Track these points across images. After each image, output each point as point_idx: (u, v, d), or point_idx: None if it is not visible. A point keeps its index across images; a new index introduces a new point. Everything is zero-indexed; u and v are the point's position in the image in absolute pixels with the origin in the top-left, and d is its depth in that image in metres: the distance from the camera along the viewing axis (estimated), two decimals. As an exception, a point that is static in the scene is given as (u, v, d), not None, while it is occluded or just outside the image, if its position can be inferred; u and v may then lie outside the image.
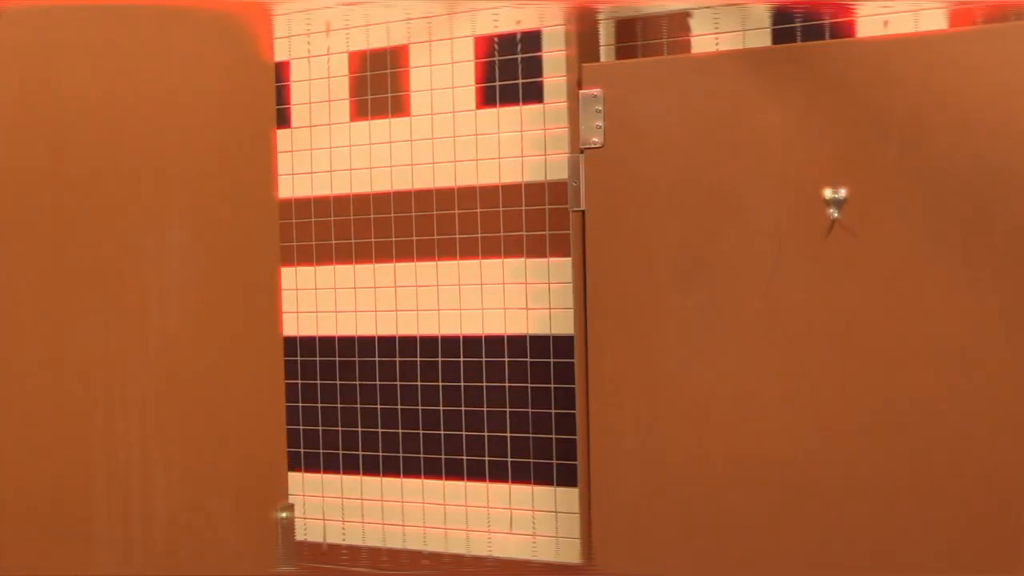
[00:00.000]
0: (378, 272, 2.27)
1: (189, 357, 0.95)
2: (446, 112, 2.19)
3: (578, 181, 1.85)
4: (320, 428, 2.34)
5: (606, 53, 2.04)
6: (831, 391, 1.64)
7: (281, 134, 2.33)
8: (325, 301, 2.34)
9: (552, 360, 2.10)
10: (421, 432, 2.23)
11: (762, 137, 1.70)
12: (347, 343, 2.31)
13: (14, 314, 0.79)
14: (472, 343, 2.17)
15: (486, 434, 2.15)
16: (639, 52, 2.02)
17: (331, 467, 2.34)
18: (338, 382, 2.32)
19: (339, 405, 2.32)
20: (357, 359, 2.30)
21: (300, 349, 2.35)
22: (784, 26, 1.90)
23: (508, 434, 2.13)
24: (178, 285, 0.93)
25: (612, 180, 1.83)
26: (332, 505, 2.34)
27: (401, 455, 2.25)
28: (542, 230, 2.10)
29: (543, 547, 2.12)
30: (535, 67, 2.10)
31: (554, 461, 2.09)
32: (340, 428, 2.32)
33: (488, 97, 2.14)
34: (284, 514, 1.05)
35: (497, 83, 2.13)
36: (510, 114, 2.12)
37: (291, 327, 2.36)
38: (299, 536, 2.38)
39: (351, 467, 2.32)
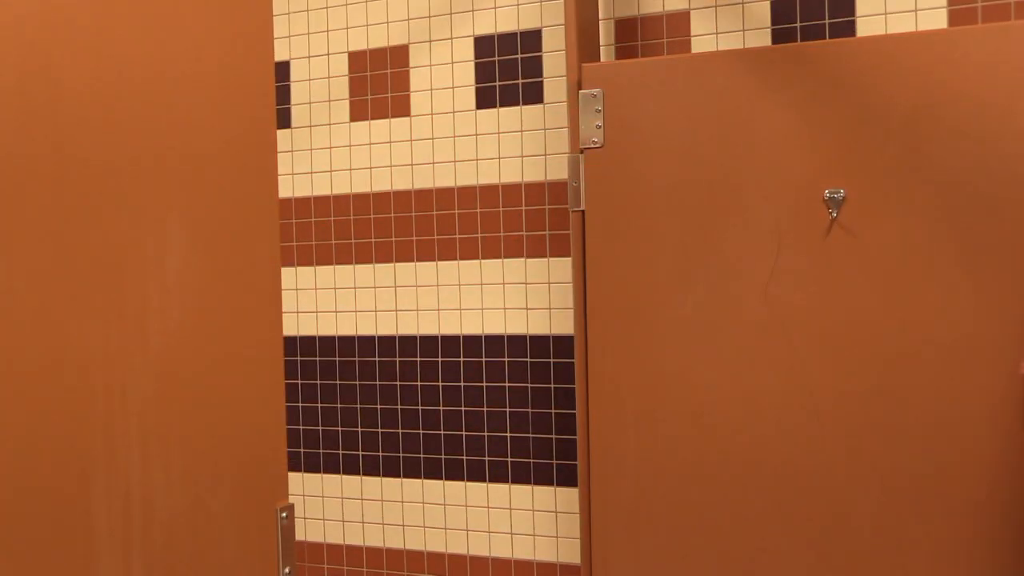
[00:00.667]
0: (378, 272, 2.27)
1: (189, 357, 0.95)
2: (446, 112, 2.19)
3: (578, 181, 1.85)
4: (320, 428, 2.34)
5: (606, 53, 2.04)
6: (830, 391, 1.64)
7: (281, 134, 2.33)
8: (325, 301, 2.34)
9: (552, 360, 2.10)
10: (421, 432, 2.23)
11: (762, 137, 1.70)
12: (347, 343, 2.31)
13: (13, 314, 0.79)
14: (472, 343, 2.17)
15: (486, 434, 2.15)
16: (639, 52, 2.02)
17: (331, 467, 2.34)
18: (338, 382, 2.32)
19: (339, 405, 2.32)
20: (357, 359, 2.30)
21: (300, 349, 2.35)
22: (784, 26, 1.90)
23: (508, 434, 2.14)
24: (178, 285, 0.93)
25: (611, 180, 1.83)
26: (332, 505, 2.34)
27: (401, 455, 2.25)
28: (542, 230, 2.10)
29: (543, 547, 2.12)
30: (535, 67, 2.10)
31: (554, 461, 2.09)
32: (340, 428, 2.32)
33: (488, 97, 2.14)
34: (284, 514, 1.05)
35: (497, 83, 2.13)
36: (510, 114, 2.12)
37: (291, 327, 2.36)
38: (299, 536, 2.38)
39: (351, 467, 2.32)
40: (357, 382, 2.30)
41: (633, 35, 2.03)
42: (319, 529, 2.35)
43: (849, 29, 1.86)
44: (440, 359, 2.20)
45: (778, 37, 1.92)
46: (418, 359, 2.23)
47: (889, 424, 1.61)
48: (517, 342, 2.13)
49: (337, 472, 2.33)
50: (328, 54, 2.32)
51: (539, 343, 2.11)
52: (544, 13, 2.09)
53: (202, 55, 0.96)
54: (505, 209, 2.13)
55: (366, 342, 2.29)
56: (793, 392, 1.64)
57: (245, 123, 1.02)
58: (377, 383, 2.27)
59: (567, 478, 2.08)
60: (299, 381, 2.35)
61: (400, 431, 2.25)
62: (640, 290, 1.77)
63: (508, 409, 2.13)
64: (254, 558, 1.01)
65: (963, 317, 1.55)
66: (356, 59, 2.29)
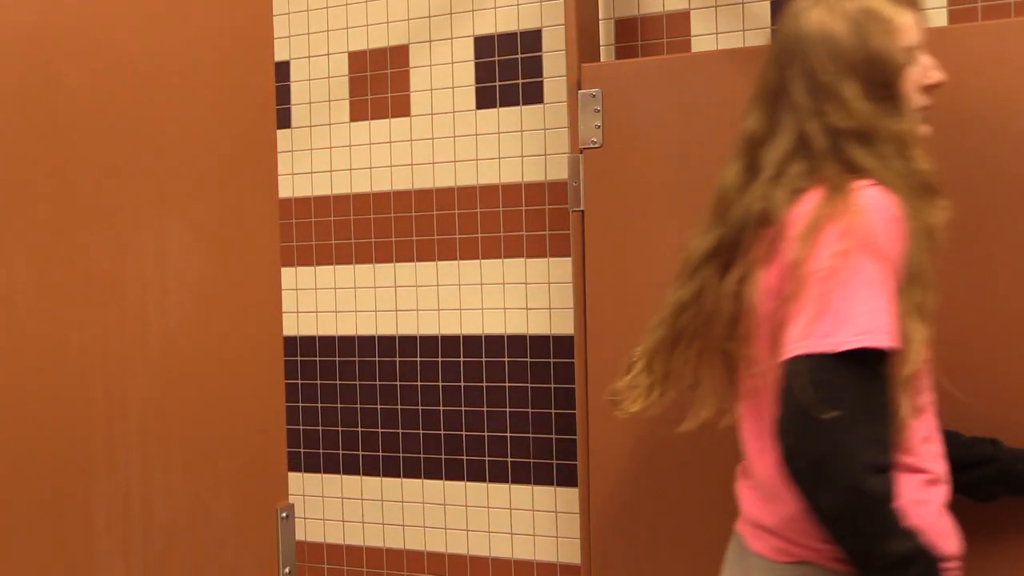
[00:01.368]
0: (378, 272, 2.28)
1: (189, 357, 0.95)
2: (446, 112, 2.19)
3: (578, 181, 1.85)
4: (320, 428, 2.34)
5: (606, 53, 2.04)
6: None
7: (281, 134, 2.33)
8: (325, 301, 2.34)
9: (552, 360, 2.10)
10: (421, 432, 2.23)
11: None
12: (347, 343, 2.31)
13: (13, 314, 0.79)
14: (472, 343, 2.17)
15: (486, 434, 2.15)
16: (639, 52, 2.02)
17: (331, 467, 2.34)
18: (338, 382, 2.32)
19: (339, 405, 2.32)
20: (357, 359, 2.30)
21: (300, 349, 2.36)
22: (784, 26, 1.90)
23: (508, 434, 2.14)
24: (178, 285, 0.93)
25: (610, 180, 1.83)
26: (332, 505, 2.34)
27: (401, 455, 2.25)
28: (542, 230, 2.10)
29: (543, 547, 2.12)
30: (535, 67, 2.10)
31: (554, 461, 2.09)
32: (340, 428, 2.32)
33: (488, 97, 2.14)
34: (284, 514, 1.05)
35: (497, 83, 2.13)
36: (510, 114, 2.12)
37: (291, 327, 2.36)
38: (299, 536, 2.38)
39: (351, 467, 2.32)
40: (357, 382, 2.30)
41: (633, 35, 2.03)
42: (319, 529, 2.36)
43: (849, 29, 1.86)
44: (440, 359, 2.20)
45: (778, 37, 1.92)
46: (418, 359, 2.23)
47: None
48: (517, 342, 2.13)
49: (337, 472, 2.33)
50: (328, 54, 2.32)
51: (539, 343, 2.11)
52: (544, 13, 2.09)
53: (202, 55, 0.96)
54: (505, 209, 2.13)
55: (366, 342, 2.29)
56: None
57: (245, 123, 1.02)
58: (377, 383, 2.27)
59: (567, 478, 2.08)
60: (299, 381, 2.35)
61: (400, 431, 2.25)
62: (640, 290, 1.77)
63: (508, 409, 2.13)
64: (254, 558, 1.01)
65: (958, 318, 1.52)
66: (356, 59, 2.29)
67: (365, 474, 2.30)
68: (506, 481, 2.14)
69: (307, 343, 2.35)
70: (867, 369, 1.12)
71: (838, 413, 1.09)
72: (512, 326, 2.13)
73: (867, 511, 1.09)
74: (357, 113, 2.29)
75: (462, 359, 2.18)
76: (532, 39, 2.10)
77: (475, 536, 2.18)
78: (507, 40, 2.12)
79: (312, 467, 2.36)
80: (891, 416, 1.16)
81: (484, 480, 2.16)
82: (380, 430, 2.27)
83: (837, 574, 1.19)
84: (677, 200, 1.77)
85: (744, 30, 1.94)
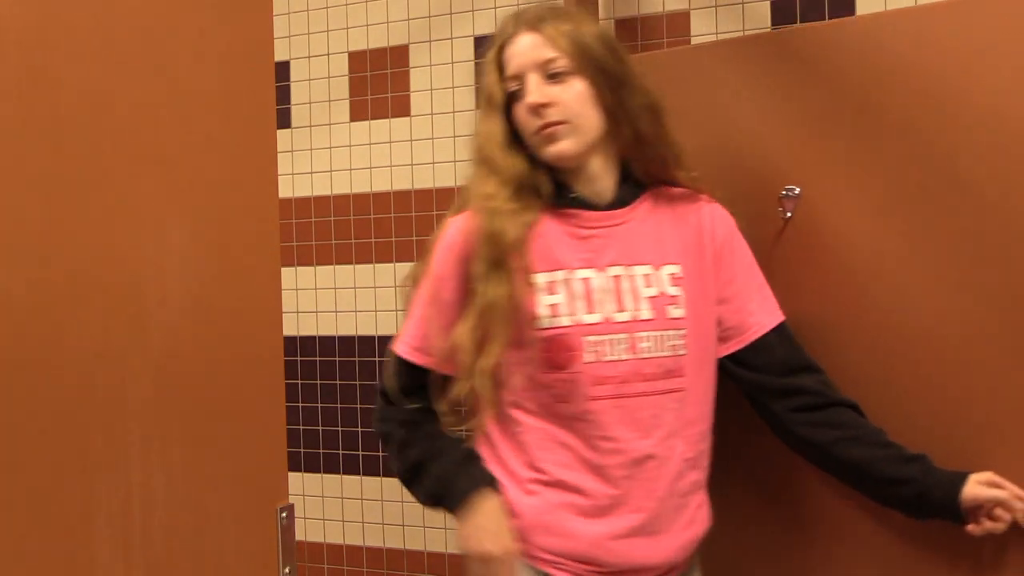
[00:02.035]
0: (378, 272, 2.27)
1: (189, 357, 0.95)
2: (446, 112, 2.19)
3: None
4: (320, 428, 2.34)
5: (606, 53, 2.04)
6: None
7: (281, 134, 2.33)
8: (325, 301, 2.34)
9: (552, 360, 2.09)
10: (421, 432, 2.22)
11: (726, 131, 1.63)
12: (347, 343, 2.31)
13: (13, 314, 0.78)
14: (472, 343, 2.17)
15: (486, 434, 2.15)
16: (639, 52, 2.02)
17: (331, 467, 2.34)
18: (338, 382, 2.32)
19: (339, 405, 2.32)
20: (357, 359, 2.30)
21: (300, 349, 2.35)
22: (784, 25, 1.90)
23: (508, 434, 2.13)
24: (178, 285, 0.93)
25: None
26: (332, 505, 2.34)
27: (401, 455, 2.25)
28: (542, 230, 2.10)
29: (543, 547, 2.11)
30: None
31: (554, 461, 2.09)
32: (340, 428, 2.32)
33: (488, 97, 2.14)
34: (284, 514, 1.05)
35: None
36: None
37: (291, 327, 2.36)
38: (299, 536, 2.38)
39: (351, 467, 2.32)
40: (357, 382, 2.30)
41: (633, 35, 2.03)
42: (319, 529, 2.35)
43: (849, 29, 1.86)
44: None
45: (778, 37, 1.92)
46: (418, 359, 2.23)
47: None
48: (517, 342, 2.12)
49: (337, 472, 2.33)
50: (328, 54, 2.32)
51: (539, 343, 2.10)
52: (544, 13, 2.09)
53: (202, 55, 0.96)
54: (505, 209, 2.12)
55: (366, 342, 2.29)
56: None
57: (245, 123, 1.02)
58: (377, 383, 2.27)
59: (567, 478, 2.08)
60: (299, 381, 2.35)
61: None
62: None
63: (508, 409, 2.13)
64: (254, 558, 1.01)
65: (922, 311, 1.45)
66: (356, 59, 2.29)
67: (365, 474, 2.30)
68: (506, 481, 2.14)
69: (307, 343, 2.35)
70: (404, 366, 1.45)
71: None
72: (512, 326, 2.13)
73: (387, 447, 1.49)
74: (357, 113, 2.29)
75: (462, 359, 2.18)
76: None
77: (475, 536, 2.18)
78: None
79: (312, 467, 2.36)
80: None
81: (484, 480, 2.16)
82: (380, 430, 2.26)
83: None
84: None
85: (744, 30, 1.94)
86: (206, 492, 0.94)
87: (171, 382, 0.90)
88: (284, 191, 2.34)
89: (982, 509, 1.35)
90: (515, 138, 1.40)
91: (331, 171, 2.32)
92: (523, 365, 1.37)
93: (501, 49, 1.41)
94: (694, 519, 1.43)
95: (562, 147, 1.35)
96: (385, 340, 2.28)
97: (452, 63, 2.18)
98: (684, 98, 1.59)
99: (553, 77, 1.35)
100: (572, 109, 1.35)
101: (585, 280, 1.37)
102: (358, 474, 2.31)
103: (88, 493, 0.82)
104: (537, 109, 1.35)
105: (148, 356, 0.88)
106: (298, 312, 2.35)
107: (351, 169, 2.30)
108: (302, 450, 2.35)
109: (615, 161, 1.43)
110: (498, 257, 1.34)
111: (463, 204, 1.42)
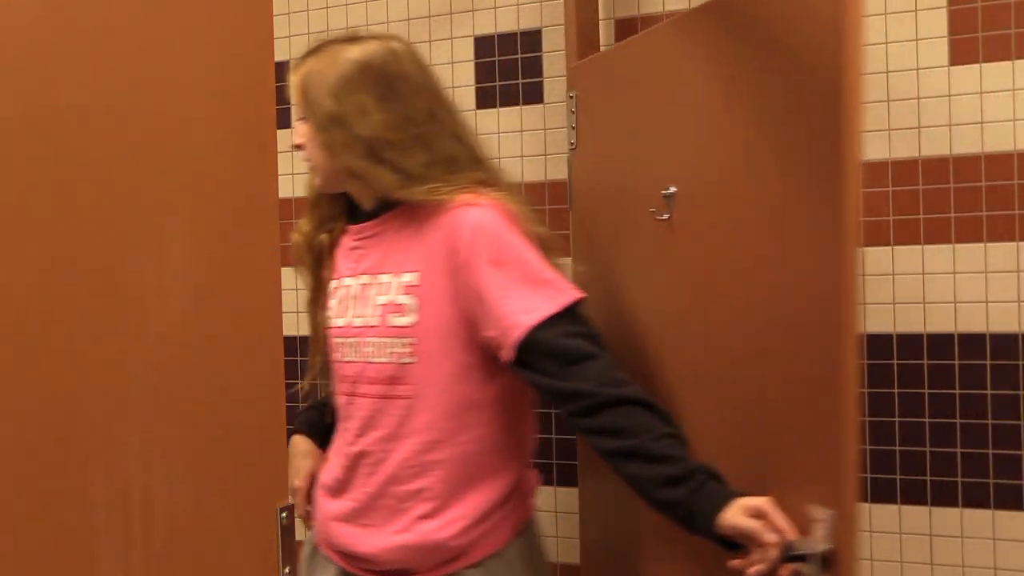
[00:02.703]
0: (378, 272, 2.27)
1: (189, 357, 0.95)
2: (446, 112, 2.19)
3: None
4: (320, 428, 2.34)
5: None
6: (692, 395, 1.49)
7: (281, 134, 2.33)
8: (325, 301, 2.33)
9: (552, 360, 2.09)
10: (421, 432, 2.22)
11: (638, 129, 1.61)
12: (347, 343, 2.31)
13: (13, 314, 0.79)
14: (472, 343, 2.17)
15: (486, 434, 2.15)
16: (639, 52, 2.02)
17: (331, 467, 2.33)
18: (338, 382, 2.32)
19: (339, 405, 2.32)
20: (357, 359, 2.30)
21: (300, 349, 2.35)
22: (784, 26, 1.90)
23: (508, 434, 2.13)
24: (178, 285, 0.93)
25: (580, 182, 1.86)
26: (332, 505, 2.34)
27: (401, 455, 2.25)
28: (542, 230, 2.10)
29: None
30: (535, 67, 2.10)
31: (554, 461, 2.09)
32: (340, 428, 2.32)
33: (488, 97, 2.14)
34: (284, 514, 1.05)
35: (497, 83, 2.13)
36: (510, 114, 2.12)
37: (291, 327, 2.35)
38: (299, 536, 2.38)
39: (351, 467, 2.31)
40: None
41: (633, 35, 2.03)
42: (319, 529, 2.35)
43: (849, 29, 1.86)
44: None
45: (778, 37, 1.91)
46: (418, 359, 2.23)
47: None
48: (517, 342, 2.12)
49: (337, 472, 2.33)
50: (328, 54, 2.31)
51: (539, 343, 2.10)
52: (544, 13, 2.09)
53: (203, 56, 0.96)
54: (505, 209, 2.12)
55: (366, 342, 2.29)
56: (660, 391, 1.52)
57: (245, 123, 1.02)
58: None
59: (567, 478, 2.08)
60: (299, 381, 2.35)
61: (400, 431, 2.25)
62: (612, 293, 1.73)
63: (508, 409, 2.13)
64: (255, 557, 1.01)
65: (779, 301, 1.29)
66: (356, 59, 2.29)
67: (365, 474, 2.30)
68: (506, 481, 2.14)
69: (307, 343, 2.35)
70: None
71: None
72: (512, 326, 2.13)
73: None
74: (357, 113, 2.29)
75: (462, 359, 2.18)
76: (532, 39, 2.10)
77: (475, 536, 2.18)
78: (507, 40, 2.12)
79: (312, 467, 2.35)
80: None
81: (484, 480, 2.16)
82: (380, 430, 2.26)
83: None
84: (606, 203, 1.75)
85: (744, 30, 1.94)
86: (206, 492, 0.94)
87: (171, 382, 0.90)
88: (284, 191, 2.34)
89: (754, 539, 1.19)
90: None
91: (331, 171, 2.32)
92: None
93: None
94: (411, 528, 1.44)
95: (315, 181, 1.54)
96: (385, 340, 2.27)
97: (452, 63, 2.18)
98: (634, 90, 1.62)
99: (302, 118, 1.51)
100: (308, 149, 1.51)
101: (347, 287, 1.54)
102: (358, 474, 2.31)
103: (88, 493, 0.82)
104: (297, 148, 1.54)
105: (148, 356, 0.88)
106: (298, 312, 2.34)
107: (351, 169, 2.30)
108: (302, 450, 2.35)
109: None
110: (305, 267, 1.59)
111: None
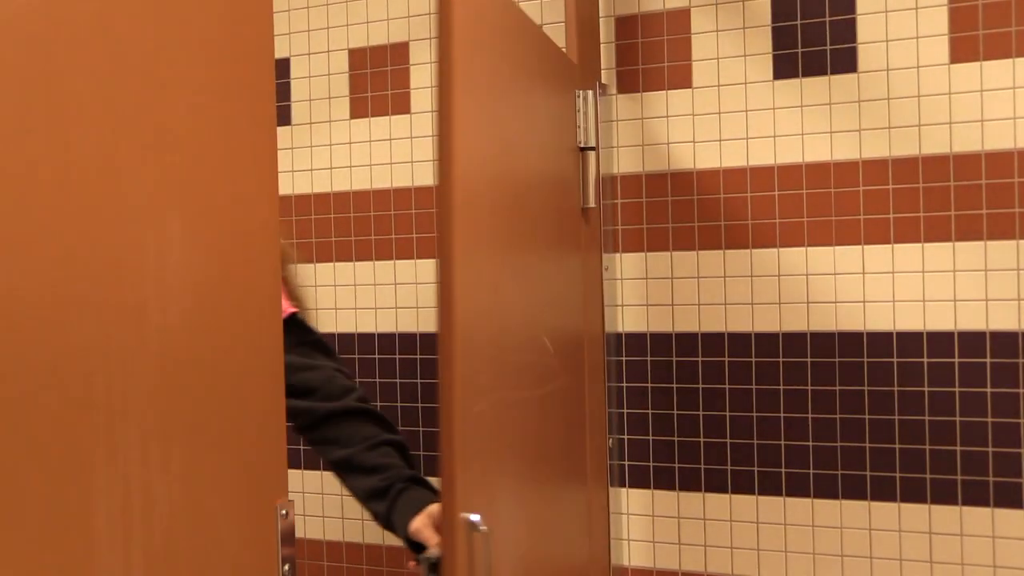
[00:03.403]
0: (378, 269, 2.27)
1: (189, 356, 0.95)
2: (446, 109, 2.19)
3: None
4: (320, 425, 2.34)
5: (606, 51, 2.04)
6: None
7: (281, 131, 2.33)
8: (325, 298, 2.34)
9: (552, 358, 2.09)
10: (421, 430, 2.23)
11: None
12: (347, 340, 2.31)
13: (13, 314, 0.79)
14: (472, 341, 2.17)
15: (486, 432, 2.15)
16: (640, 50, 2.01)
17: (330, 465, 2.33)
18: (338, 379, 2.32)
19: (339, 402, 2.32)
20: (357, 356, 2.30)
21: (300, 346, 2.35)
22: (785, 23, 1.90)
23: (508, 432, 2.13)
24: (178, 284, 0.93)
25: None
26: (332, 502, 2.34)
27: (401, 452, 2.25)
28: (542, 228, 2.09)
29: (543, 544, 2.11)
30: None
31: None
32: (340, 425, 2.32)
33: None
34: (284, 511, 1.05)
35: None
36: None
37: (291, 324, 2.35)
38: (298, 533, 2.38)
39: (351, 464, 2.31)
40: (357, 379, 2.30)
41: (634, 33, 2.03)
42: (319, 526, 2.36)
43: (849, 27, 1.86)
44: (439, 357, 2.20)
45: (778, 35, 1.91)
46: (418, 356, 2.23)
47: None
48: (517, 340, 2.12)
49: (337, 469, 2.33)
50: (328, 51, 2.31)
51: (539, 341, 2.10)
52: (544, 11, 2.09)
53: (201, 52, 0.96)
54: (505, 207, 2.12)
55: (366, 339, 2.29)
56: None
57: (245, 121, 1.02)
58: (377, 380, 2.27)
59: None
60: (299, 378, 2.35)
61: (399, 429, 2.25)
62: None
63: (508, 407, 2.13)
64: (254, 555, 1.01)
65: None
66: (356, 56, 2.28)
67: (365, 471, 2.30)
68: (506, 478, 2.14)
69: (307, 340, 2.35)
70: None
71: None
72: (512, 324, 2.13)
73: None
74: (357, 110, 2.29)
75: (462, 356, 2.18)
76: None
77: (475, 533, 2.18)
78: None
79: (312, 464, 2.36)
80: None
81: (484, 477, 2.16)
82: (380, 427, 2.26)
83: None
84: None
85: (744, 28, 1.94)
86: (206, 490, 0.94)
87: (170, 380, 0.90)
88: (284, 188, 2.34)
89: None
90: None
91: (331, 168, 2.32)
92: None
93: None
94: None
95: None
96: (384, 338, 2.28)
97: (452, 60, 2.18)
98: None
99: None
100: None
101: None
102: (358, 471, 2.31)
103: (88, 493, 0.82)
104: None
105: (147, 354, 0.88)
106: (298, 309, 2.35)
107: (351, 166, 2.30)
108: (302, 447, 2.35)
109: None
110: None
111: None
